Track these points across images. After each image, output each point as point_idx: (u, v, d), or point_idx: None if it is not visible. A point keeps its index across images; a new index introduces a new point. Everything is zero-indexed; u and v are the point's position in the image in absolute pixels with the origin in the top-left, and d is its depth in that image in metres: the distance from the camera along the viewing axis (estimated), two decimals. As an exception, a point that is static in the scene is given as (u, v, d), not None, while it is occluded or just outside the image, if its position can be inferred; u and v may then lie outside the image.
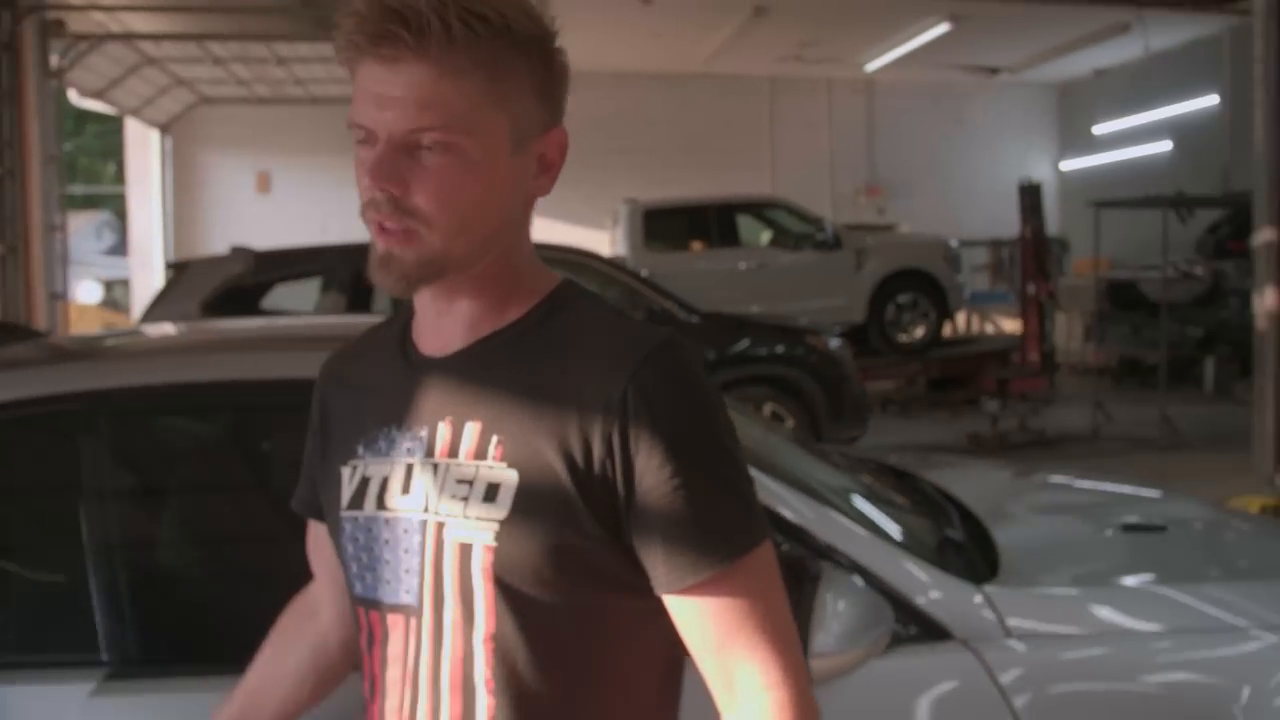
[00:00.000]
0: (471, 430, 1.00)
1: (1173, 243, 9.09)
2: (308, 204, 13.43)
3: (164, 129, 13.92)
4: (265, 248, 6.60)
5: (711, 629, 0.97)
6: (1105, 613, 1.83)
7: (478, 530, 0.97)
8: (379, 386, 1.10)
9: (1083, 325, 12.35)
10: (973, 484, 2.71)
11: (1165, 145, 13.57)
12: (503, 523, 0.97)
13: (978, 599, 1.75)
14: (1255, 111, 6.59)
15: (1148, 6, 11.05)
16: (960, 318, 12.31)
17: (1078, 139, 15.68)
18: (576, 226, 12.40)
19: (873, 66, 14.34)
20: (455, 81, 0.95)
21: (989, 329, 13.52)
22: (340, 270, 6.13)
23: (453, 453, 1.01)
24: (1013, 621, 1.73)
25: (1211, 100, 12.95)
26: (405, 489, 1.03)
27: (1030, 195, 9.49)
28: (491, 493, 0.97)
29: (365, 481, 1.07)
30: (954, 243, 11.11)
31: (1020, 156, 15.40)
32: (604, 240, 11.32)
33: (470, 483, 0.99)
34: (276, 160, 14.07)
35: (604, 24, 11.27)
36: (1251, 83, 9.33)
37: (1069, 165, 15.94)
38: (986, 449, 8.29)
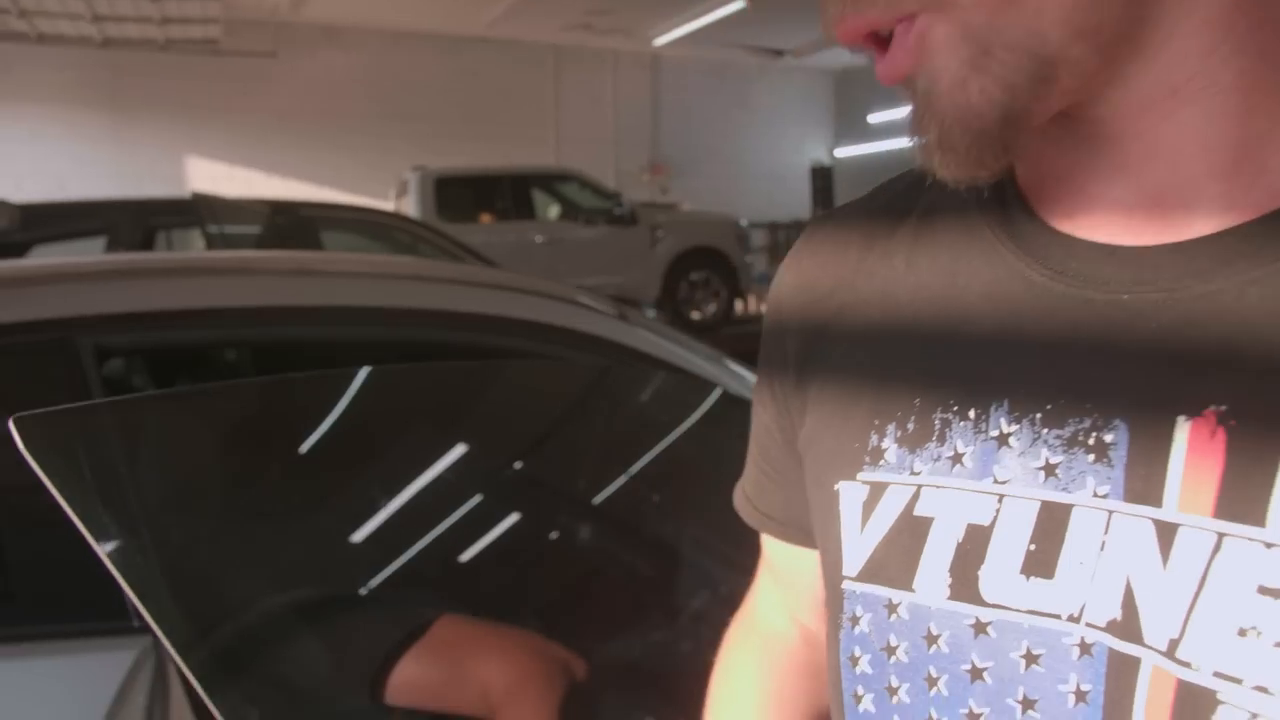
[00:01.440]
0: None
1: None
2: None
3: None
4: (28, 200, 5.68)
5: None
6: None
7: None
8: (948, 305, 0.51)
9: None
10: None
11: (934, 136, 14.26)
12: None
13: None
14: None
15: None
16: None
17: (853, 126, 16.23)
18: (354, 196, 11.59)
19: (661, 40, 14.26)
20: None
21: (765, 309, 13.82)
22: (128, 229, 5.35)
23: (1228, 509, 0.41)
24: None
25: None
26: (1041, 565, 0.46)
27: (822, 178, 9.67)
28: None
29: (915, 526, 0.49)
30: (743, 222, 11.29)
31: (798, 141, 15.79)
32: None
33: None
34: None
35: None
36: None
37: (843, 152, 16.51)
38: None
